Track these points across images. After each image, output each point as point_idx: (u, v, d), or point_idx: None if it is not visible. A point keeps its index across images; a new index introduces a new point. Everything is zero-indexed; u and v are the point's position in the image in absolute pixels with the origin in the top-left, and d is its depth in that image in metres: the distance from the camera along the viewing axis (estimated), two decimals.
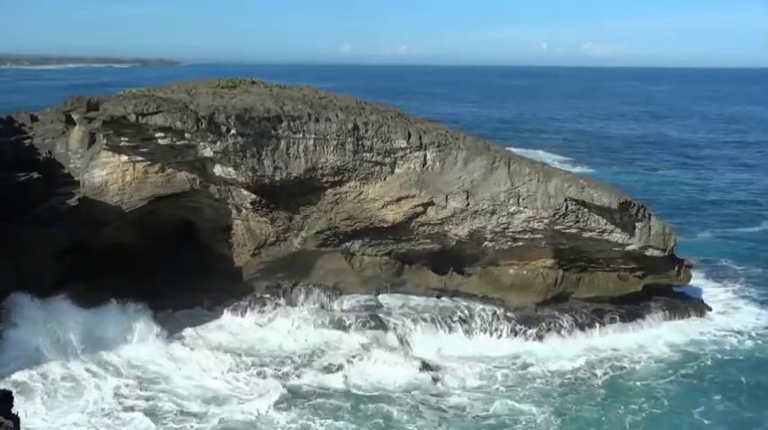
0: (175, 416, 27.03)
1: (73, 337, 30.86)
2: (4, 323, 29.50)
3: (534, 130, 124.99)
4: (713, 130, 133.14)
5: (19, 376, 28.43)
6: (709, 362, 33.58)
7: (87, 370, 29.84)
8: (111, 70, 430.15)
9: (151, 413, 27.08)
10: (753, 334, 36.86)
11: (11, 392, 11.26)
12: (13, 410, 11.16)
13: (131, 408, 27.31)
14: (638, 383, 31.49)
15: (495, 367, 32.58)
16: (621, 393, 30.63)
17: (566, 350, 34.61)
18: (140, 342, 32.27)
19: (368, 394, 29.55)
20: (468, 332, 35.76)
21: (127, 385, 29.02)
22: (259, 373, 30.50)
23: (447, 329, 35.81)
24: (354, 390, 29.76)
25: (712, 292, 42.45)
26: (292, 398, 28.69)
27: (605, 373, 32.35)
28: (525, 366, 32.88)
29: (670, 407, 29.43)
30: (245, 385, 29.50)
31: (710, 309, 39.44)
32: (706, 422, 28.34)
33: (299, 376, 30.46)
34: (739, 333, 36.91)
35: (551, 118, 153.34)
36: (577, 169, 77.24)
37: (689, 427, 28.03)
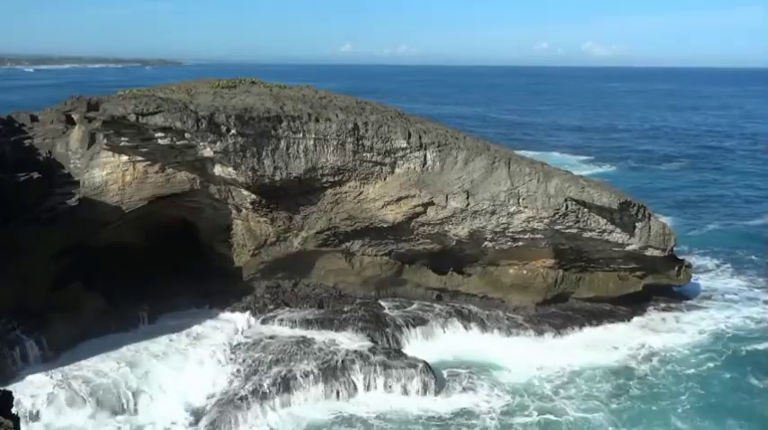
0: None
1: None
2: None
3: (545, 130, 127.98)
4: (716, 128, 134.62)
5: None
6: (737, 345, 34.89)
7: None
8: (110, 70, 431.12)
9: None
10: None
11: (11, 392, 11.23)
12: (13, 410, 11.14)
13: None
14: (669, 374, 32.29)
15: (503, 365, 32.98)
16: (657, 385, 31.28)
17: (583, 348, 34.90)
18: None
19: (379, 409, 29.40)
20: (483, 331, 36.08)
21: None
22: (256, 391, 29.08)
23: (451, 330, 35.95)
24: (365, 401, 29.82)
25: (723, 281, 43.97)
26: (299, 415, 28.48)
27: (634, 367, 32.90)
28: (544, 363, 33.21)
29: (714, 391, 30.58)
30: (242, 402, 28.61)
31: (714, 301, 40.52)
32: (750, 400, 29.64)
33: (302, 385, 29.96)
34: (754, 319, 38.16)
35: (559, 118, 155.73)
36: (603, 169, 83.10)
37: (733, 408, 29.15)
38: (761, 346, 34.76)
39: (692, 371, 32.27)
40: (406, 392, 30.37)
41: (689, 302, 40.31)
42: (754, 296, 41.53)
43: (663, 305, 39.83)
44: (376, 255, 38.10)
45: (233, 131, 32.26)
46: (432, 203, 36.08)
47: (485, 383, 31.38)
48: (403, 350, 33.54)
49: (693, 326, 36.99)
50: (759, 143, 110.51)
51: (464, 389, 30.80)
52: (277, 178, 34.05)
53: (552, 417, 28.58)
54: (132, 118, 30.70)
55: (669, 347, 34.60)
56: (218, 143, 32.10)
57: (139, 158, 33.20)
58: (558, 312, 38.12)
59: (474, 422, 28.18)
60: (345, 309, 36.82)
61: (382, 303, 37.80)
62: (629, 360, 33.53)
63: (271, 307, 36.72)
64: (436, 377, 31.20)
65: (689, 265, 40.40)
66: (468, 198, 35.77)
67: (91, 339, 31.74)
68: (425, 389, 30.47)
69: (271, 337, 33.85)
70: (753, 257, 48.75)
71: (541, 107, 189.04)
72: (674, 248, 38.49)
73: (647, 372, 32.27)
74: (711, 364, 32.83)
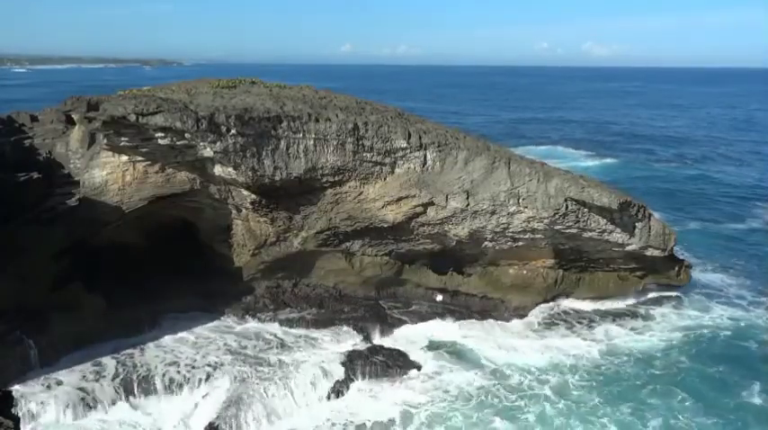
0: None
1: None
2: None
3: (549, 127, 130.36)
4: (713, 128, 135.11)
5: None
6: (711, 339, 35.90)
7: None
8: (110, 70, 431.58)
9: None
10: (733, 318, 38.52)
11: (11, 392, 11.24)
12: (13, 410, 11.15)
13: None
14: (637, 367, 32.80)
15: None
16: (630, 375, 32.16)
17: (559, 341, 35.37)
18: None
19: (379, 405, 29.50)
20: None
21: None
22: (257, 392, 29.06)
23: (449, 327, 36.03)
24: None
25: (706, 277, 44.18)
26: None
27: (611, 358, 33.65)
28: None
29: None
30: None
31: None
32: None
33: (303, 386, 29.98)
34: (731, 317, 38.59)
35: (561, 115, 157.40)
36: (603, 163, 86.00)
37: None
38: (733, 341, 35.55)
39: (662, 362, 33.29)
40: (407, 388, 30.45)
41: (672, 295, 40.69)
42: (735, 293, 41.97)
43: (647, 298, 40.36)
44: (376, 255, 38.09)
45: (233, 131, 32.25)
46: (432, 203, 36.08)
47: (471, 373, 31.91)
48: (402, 348, 33.58)
49: (669, 322, 37.66)
50: (756, 146, 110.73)
51: (452, 379, 31.35)
52: (277, 178, 34.04)
53: (532, 406, 29.50)
54: (132, 118, 30.67)
55: (640, 344, 35.24)
56: (218, 143, 32.08)
57: (139, 158, 33.17)
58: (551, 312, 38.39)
59: (468, 412, 28.52)
60: (345, 309, 36.85)
61: (382, 303, 37.85)
62: (608, 351, 34.26)
63: (271, 307, 36.77)
64: (435, 373, 31.44)
65: (689, 265, 40.39)
66: (468, 198, 35.77)
67: (91, 339, 31.69)
68: (424, 383, 30.60)
69: (271, 338, 33.92)
70: (737, 255, 49.26)
71: (544, 105, 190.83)
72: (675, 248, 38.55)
73: (621, 364, 33.09)
74: (682, 357, 33.73)
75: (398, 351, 33.28)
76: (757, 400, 29.77)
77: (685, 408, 29.13)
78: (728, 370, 32.40)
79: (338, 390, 30.11)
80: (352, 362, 31.59)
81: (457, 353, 33.87)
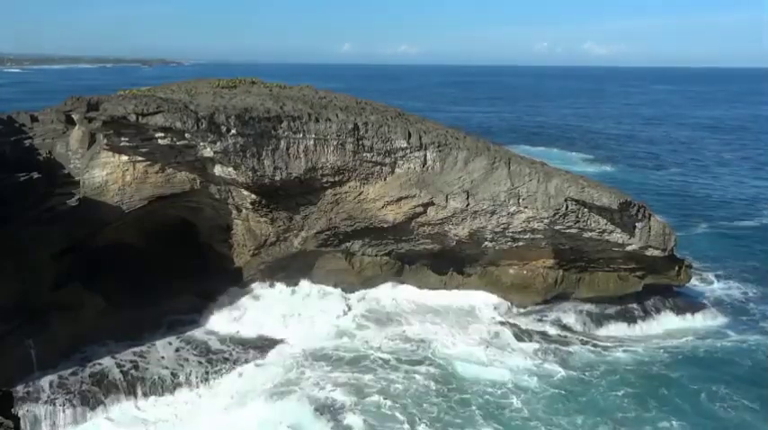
0: None
1: None
2: None
3: (547, 126, 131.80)
4: (715, 129, 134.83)
5: None
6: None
7: None
8: (111, 70, 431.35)
9: None
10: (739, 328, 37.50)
11: (11, 392, 11.23)
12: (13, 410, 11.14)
13: None
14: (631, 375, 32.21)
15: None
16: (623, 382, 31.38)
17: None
18: None
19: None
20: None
21: None
22: (257, 393, 29.26)
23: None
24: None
25: (706, 286, 43.29)
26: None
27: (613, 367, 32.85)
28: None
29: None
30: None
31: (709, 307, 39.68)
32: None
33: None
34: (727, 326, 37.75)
35: (560, 115, 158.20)
36: (603, 166, 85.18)
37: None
38: (727, 357, 34.08)
39: (642, 376, 32.06)
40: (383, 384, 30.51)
41: (669, 300, 39.76)
42: (740, 306, 40.64)
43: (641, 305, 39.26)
44: (376, 256, 38.11)
45: (233, 131, 32.26)
46: (432, 203, 36.10)
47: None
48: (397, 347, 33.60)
49: (678, 333, 36.73)
50: (756, 147, 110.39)
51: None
52: (277, 178, 34.06)
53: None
54: (132, 118, 30.68)
55: (619, 357, 34.22)
56: (219, 143, 32.09)
57: (139, 158, 33.18)
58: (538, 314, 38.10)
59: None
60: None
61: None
62: (581, 362, 33.46)
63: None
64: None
65: (689, 265, 40.28)
66: (468, 198, 35.79)
67: (91, 340, 31.67)
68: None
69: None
70: (743, 259, 48.53)
71: (541, 105, 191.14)
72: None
73: (592, 377, 32.03)
74: (666, 371, 32.50)
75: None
76: None
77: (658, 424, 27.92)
78: (712, 387, 30.91)
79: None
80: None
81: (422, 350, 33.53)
